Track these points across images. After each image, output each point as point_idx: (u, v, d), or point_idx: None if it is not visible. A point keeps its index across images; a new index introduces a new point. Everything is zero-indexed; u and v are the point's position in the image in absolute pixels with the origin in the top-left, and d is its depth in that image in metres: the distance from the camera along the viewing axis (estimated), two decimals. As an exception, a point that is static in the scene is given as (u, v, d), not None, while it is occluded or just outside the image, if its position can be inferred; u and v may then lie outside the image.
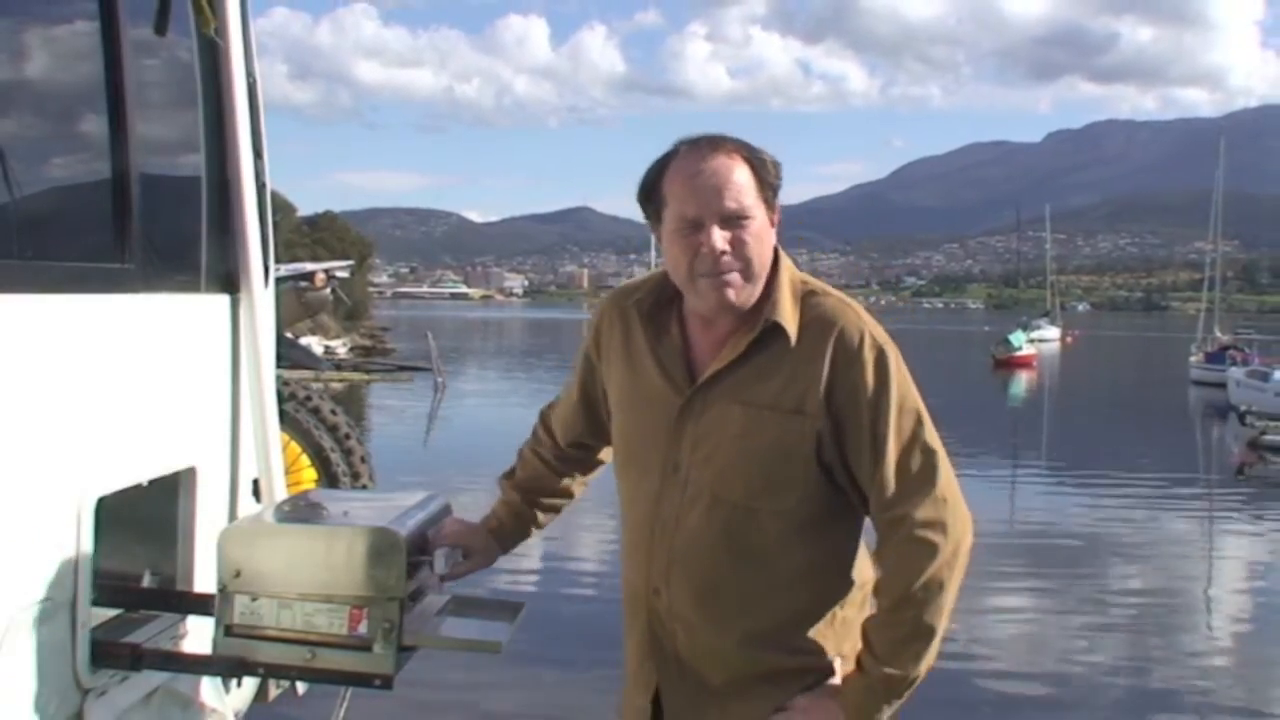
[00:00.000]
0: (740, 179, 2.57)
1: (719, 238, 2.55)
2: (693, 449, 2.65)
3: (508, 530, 3.08)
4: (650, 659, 2.74)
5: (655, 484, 2.70)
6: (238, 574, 2.74)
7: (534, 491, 3.10)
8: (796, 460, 2.58)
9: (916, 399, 2.62)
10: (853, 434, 2.57)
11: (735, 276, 2.58)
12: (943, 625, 2.54)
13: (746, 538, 2.61)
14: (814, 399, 2.56)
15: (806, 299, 2.66)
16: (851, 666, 2.63)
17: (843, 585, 2.70)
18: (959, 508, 2.58)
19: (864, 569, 2.75)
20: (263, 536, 2.81)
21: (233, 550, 2.75)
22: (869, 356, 2.58)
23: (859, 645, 2.64)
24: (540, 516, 3.12)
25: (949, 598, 2.54)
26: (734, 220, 2.56)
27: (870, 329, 2.62)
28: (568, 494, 3.16)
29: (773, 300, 2.63)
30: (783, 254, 2.70)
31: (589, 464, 3.16)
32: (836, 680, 2.65)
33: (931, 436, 2.60)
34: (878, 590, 2.61)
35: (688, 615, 2.66)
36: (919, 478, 2.56)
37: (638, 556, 2.75)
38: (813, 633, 2.65)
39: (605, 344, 2.88)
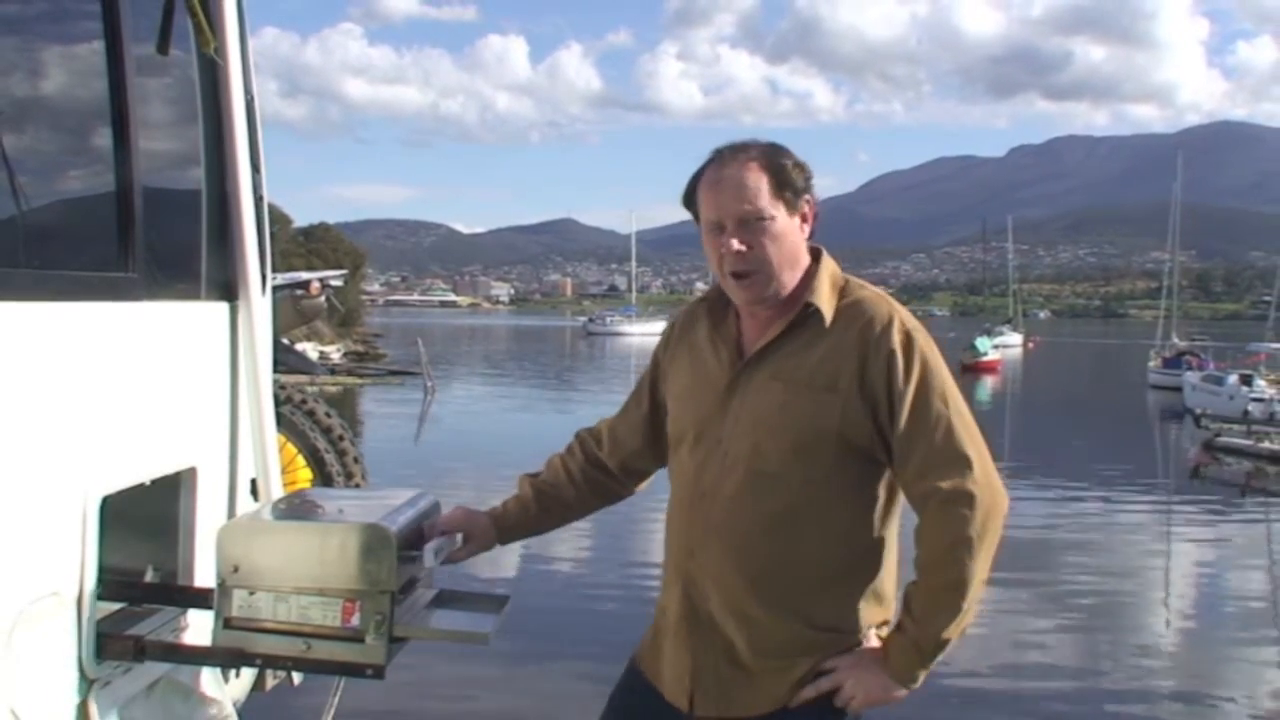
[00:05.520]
0: (754, 183, 2.69)
1: (735, 240, 2.69)
2: (735, 423, 2.75)
3: (510, 522, 3.09)
4: (685, 620, 2.81)
5: (701, 456, 2.80)
6: (236, 569, 2.74)
7: (547, 495, 3.11)
8: (827, 435, 2.66)
9: (944, 380, 2.71)
10: (885, 412, 2.65)
11: (754, 275, 2.71)
12: (973, 591, 2.60)
13: (777, 506, 2.70)
14: (846, 378, 2.66)
15: (845, 289, 2.80)
16: (876, 643, 2.73)
17: (874, 558, 2.76)
18: (988, 481, 2.63)
19: (894, 547, 2.83)
20: (260, 533, 2.81)
21: (231, 546, 2.76)
22: (898, 339, 2.67)
23: (886, 624, 2.76)
24: (545, 520, 3.13)
25: (978, 565, 2.60)
26: (750, 222, 2.69)
27: (900, 316, 2.73)
28: (579, 509, 3.17)
29: (812, 287, 2.75)
30: (824, 252, 2.84)
31: (612, 492, 3.18)
32: (875, 643, 2.72)
33: (959, 415, 2.67)
34: (916, 558, 2.67)
35: (720, 577, 2.73)
36: (945, 452, 2.63)
37: (679, 523, 2.85)
38: (840, 603, 2.73)
39: (675, 342, 3.01)
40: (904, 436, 2.64)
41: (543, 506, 3.11)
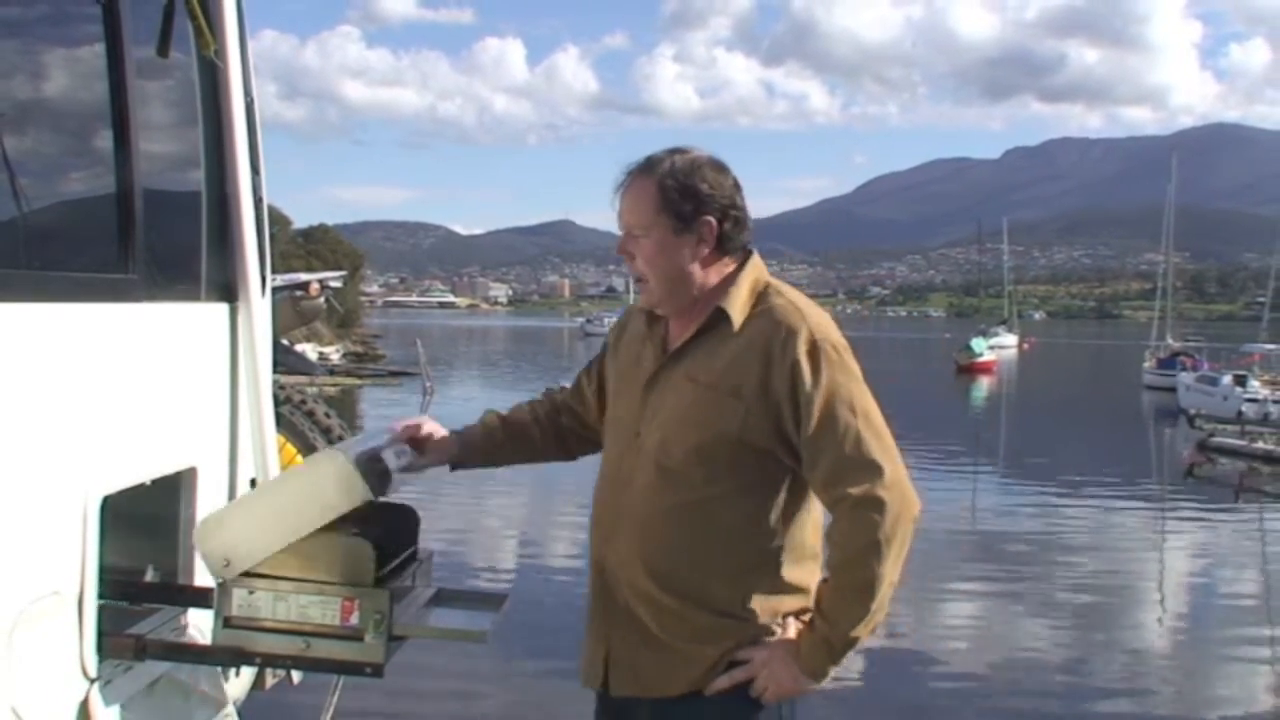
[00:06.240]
0: (636, 201, 2.83)
1: (624, 251, 2.88)
2: (651, 417, 2.86)
3: (474, 442, 3.17)
4: (601, 602, 2.92)
5: (621, 447, 2.92)
6: (227, 563, 2.74)
7: (514, 428, 3.22)
8: (728, 437, 2.73)
9: (853, 388, 2.74)
10: (790, 421, 2.71)
11: (643, 283, 2.88)
12: (882, 593, 2.65)
13: (681, 501, 2.78)
14: (750, 385, 2.73)
15: (763, 297, 2.85)
16: (790, 633, 2.79)
17: (786, 550, 2.81)
18: (899, 486, 2.66)
19: (814, 539, 2.90)
20: (229, 513, 2.80)
21: (211, 541, 2.75)
22: (803, 349, 2.71)
23: (802, 612, 2.82)
24: (504, 451, 3.22)
25: (888, 568, 2.64)
26: (630, 239, 2.86)
27: (813, 326, 2.76)
28: (540, 451, 3.27)
29: (728, 292, 2.84)
30: (755, 257, 2.91)
31: (569, 448, 3.28)
32: (791, 635, 2.78)
33: (868, 423, 2.71)
34: (828, 559, 2.74)
35: (629, 564, 2.82)
36: (855, 460, 2.66)
37: (599, 509, 2.96)
38: (750, 593, 2.78)
39: (621, 332, 3.13)
40: (811, 445, 2.69)
41: (508, 436, 3.20)
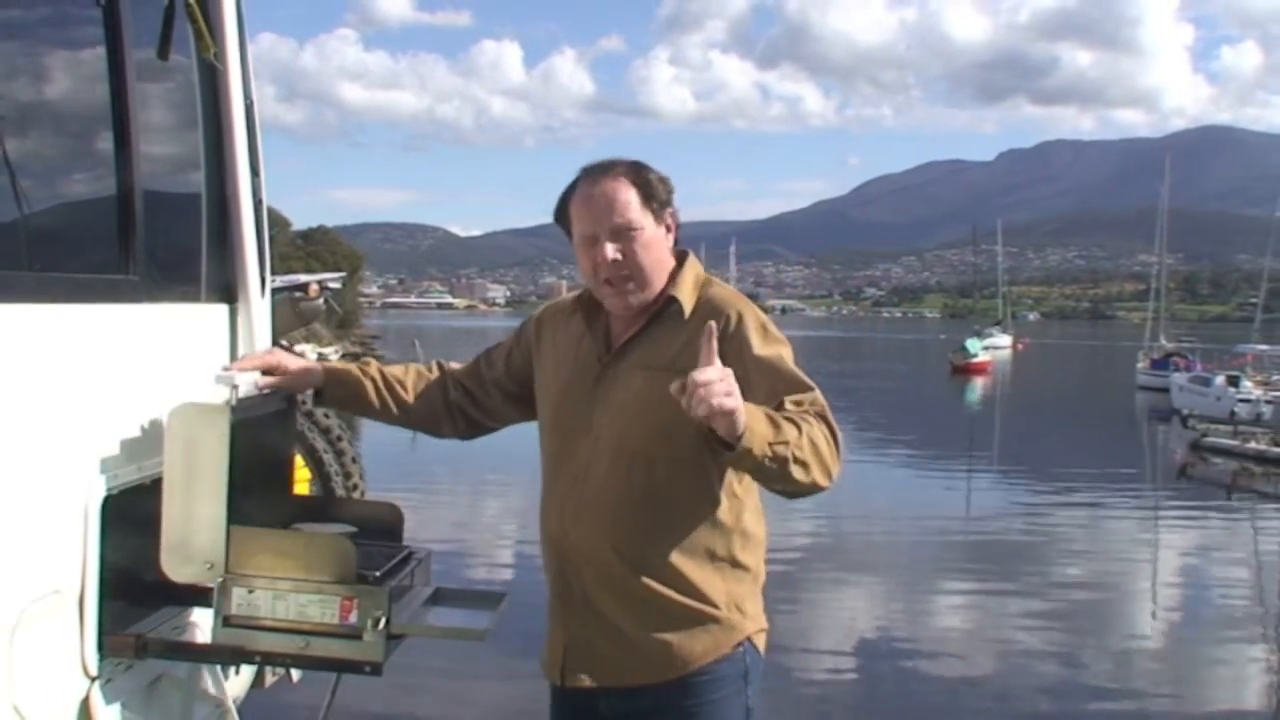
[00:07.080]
0: (624, 197, 2.91)
1: (611, 250, 2.90)
2: (604, 410, 2.96)
3: (345, 383, 3.25)
4: (560, 596, 3.01)
5: (573, 442, 3.01)
6: (210, 565, 2.75)
7: (390, 384, 3.26)
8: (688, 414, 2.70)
9: (787, 352, 2.89)
10: (740, 380, 2.65)
11: (629, 284, 2.94)
12: (803, 457, 2.59)
13: (646, 483, 2.89)
14: None
15: (704, 287, 3.02)
16: (746, 622, 2.94)
17: (733, 533, 2.95)
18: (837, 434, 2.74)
19: (759, 527, 3.02)
20: (171, 529, 2.79)
21: (184, 565, 2.77)
22: (751, 326, 2.89)
23: (753, 602, 2.99)
24: (378, 404, 3.25)
25: (828, 457, 2.65)
26: (622, 234, 2.90)
27: (754, 310, 2.96)
28: (411, 414, 3.29)
29: (676, 283, 2.99)
30: (691, 255, 3.08)
31: (445, 417, 3.31)
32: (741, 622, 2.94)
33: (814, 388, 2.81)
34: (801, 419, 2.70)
35: (593, 553, 2.91)
36: (809, 399, 2.76)
37: (553, 505, 3.04)
38: (703, 574, 2.90)
39: (548, 332, 3.21)
40: (767, 390, 2.75)
41: (382, 390, 3.25)
